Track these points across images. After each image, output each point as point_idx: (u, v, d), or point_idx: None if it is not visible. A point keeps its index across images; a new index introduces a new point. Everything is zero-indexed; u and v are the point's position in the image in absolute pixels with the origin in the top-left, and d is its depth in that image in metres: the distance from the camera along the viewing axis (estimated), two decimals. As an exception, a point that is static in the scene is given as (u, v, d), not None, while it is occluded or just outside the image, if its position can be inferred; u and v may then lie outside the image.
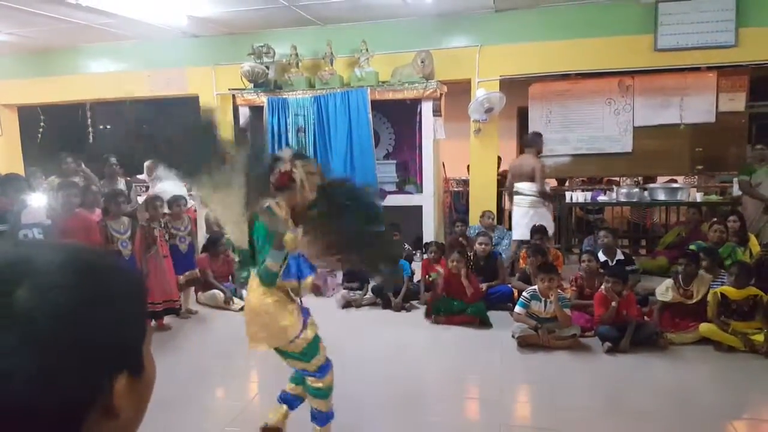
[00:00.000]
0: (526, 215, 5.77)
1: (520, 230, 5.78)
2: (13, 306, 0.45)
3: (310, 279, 2.41)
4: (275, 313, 2.33)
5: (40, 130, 8.31)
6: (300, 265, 2.38)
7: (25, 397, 0.44)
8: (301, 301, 2.48)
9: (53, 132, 8.39)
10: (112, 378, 0.50)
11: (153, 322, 4.63)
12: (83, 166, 6.28)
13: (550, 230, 5.81)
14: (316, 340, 2.46)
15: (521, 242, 5.76)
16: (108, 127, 8.94)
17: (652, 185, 7.04)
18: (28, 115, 8.52)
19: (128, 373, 0.52)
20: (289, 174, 2.35)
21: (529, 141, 5.92)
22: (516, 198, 5.90)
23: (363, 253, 2.50)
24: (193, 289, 5.27)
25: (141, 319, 0.57)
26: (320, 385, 2.47)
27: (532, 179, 5.71)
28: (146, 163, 6.08)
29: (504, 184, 7.61)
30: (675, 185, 7.19)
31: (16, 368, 0.44)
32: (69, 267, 0.50)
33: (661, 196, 6.81)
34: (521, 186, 5.82)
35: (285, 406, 2.67)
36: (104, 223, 4.21)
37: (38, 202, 3.72)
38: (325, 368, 2.48)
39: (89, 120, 8.37)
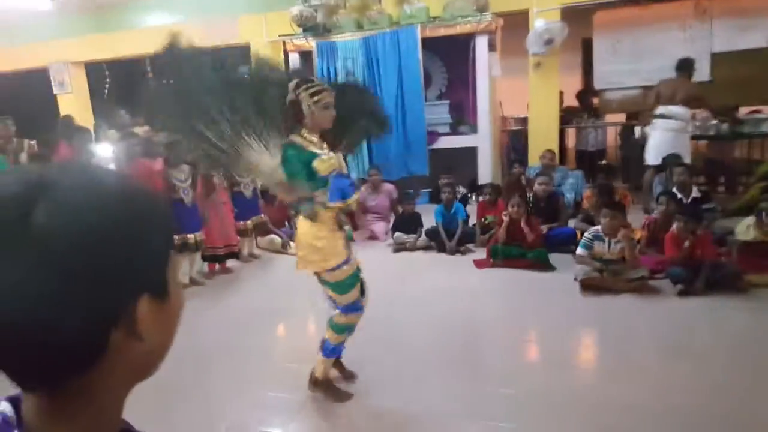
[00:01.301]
0: (664, 138, 5.59)
1: (655, 154, 5.62)
2: (29, 226, 0.45)
3: (355, 197, 2.49)
4: (326, 238, 2.40)
5: (106, 85, 8.61)
6: (343, 187, 2.43)
7: (44, 317, 0.45)
8: (351, 234, 2.53)
9: (119, 87, 8.68)
10: (135, 299, 0.50)
11: (217, 266, 4.83)
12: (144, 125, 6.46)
13: (688, 157, 5.58)
14: (354, 277, 2.49)
15: (656, 167, 5.64)
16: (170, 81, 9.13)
17: (734, 117, 6.42)
18: (94, 72, 8.83)
19: (151, 296, 0.52)
20: (295, 103, 2.35)
21: (684, 65, 5.65)
22: (660, 121, 5.64)
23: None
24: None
25: (165, 243, 0.56)
26: (341, 320, 2.49)
27: (685, 103, 5.52)
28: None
29: (571, 120, 7.21)
30: (760, 116, 6.52)
31: (33, 290, 0.44)
32: (88, 187, 0.50)
33: (744, 129, 6.20)
34: (672, 109, 5.56)
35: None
36: (166, 172, 4.32)
37: (104, 152, 3.84)
38: (351, 308, 2.49)
39: (150, 74, 8.56)
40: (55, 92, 8.78)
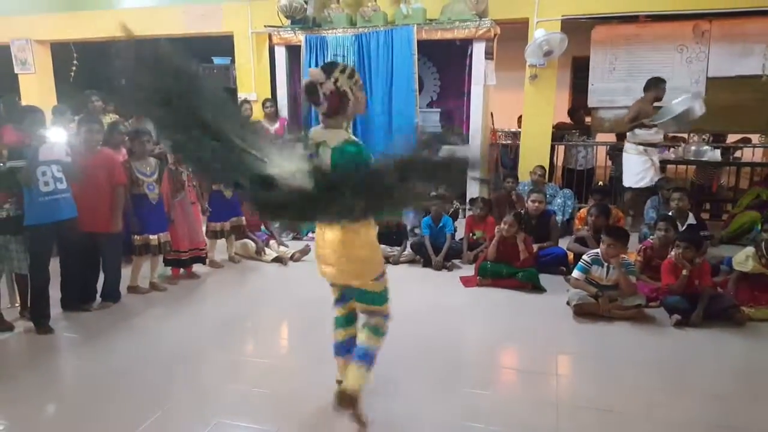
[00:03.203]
0: (628, 161, 5.67)
1: (630, 177, 5.68)
2: None
3: None
4: (370, 245, 2.16)
5: (73, 67, 8.08)
6: None
7: None
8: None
9: (87, 70, 8.15)
10: None
11: (181, 270, 4.46)
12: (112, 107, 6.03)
13: (642, 180, 5.64)
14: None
15: (631, 189, 5.73)
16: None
17: (723, 144, 6.36)
18: (61, 52, 8.29)
19: None
20: (337, 91, 2.00)
21: (646, 85, 5.64)
22: (625, 144, 5.77)
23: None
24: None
25: None
26: (386, 326, 2.31)
27: (631, 122, 5.58)
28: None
29: (561, 137, 7.07)
30: (749, 145, 6.47)
31: None
32: None
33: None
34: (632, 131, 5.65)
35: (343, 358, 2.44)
36: (129, 164, 3.95)
37: (58, 137, 3.44)
38: (389, 315, 2.35)
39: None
40: (16, 71, 8.18)
